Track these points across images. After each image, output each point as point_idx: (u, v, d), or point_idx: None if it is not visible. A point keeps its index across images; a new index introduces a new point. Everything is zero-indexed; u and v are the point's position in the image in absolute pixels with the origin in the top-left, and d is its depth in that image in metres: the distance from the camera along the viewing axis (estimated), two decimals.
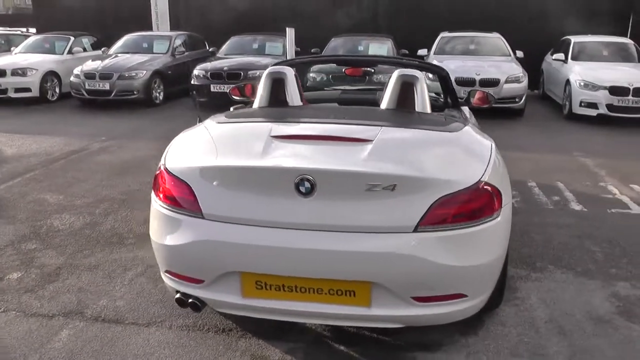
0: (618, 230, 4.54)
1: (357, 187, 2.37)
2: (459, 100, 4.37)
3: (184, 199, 2.52)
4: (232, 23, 14.79)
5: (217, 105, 9.90)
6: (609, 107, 9.01)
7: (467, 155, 2.75)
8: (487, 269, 2.57)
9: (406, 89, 3.34)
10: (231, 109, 3.78)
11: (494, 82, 9.64)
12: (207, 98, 10.12)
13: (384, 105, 3.41)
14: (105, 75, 10.06)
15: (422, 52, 11.70)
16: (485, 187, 2.50)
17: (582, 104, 9.29)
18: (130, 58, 10.78)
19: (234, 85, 4.68)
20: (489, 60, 10.54)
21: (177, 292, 2.64)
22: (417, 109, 3.33)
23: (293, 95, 3.43)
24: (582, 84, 9.35)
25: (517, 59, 10.88)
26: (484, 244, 2.52)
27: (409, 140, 2.81)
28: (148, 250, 3.95)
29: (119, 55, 11.08)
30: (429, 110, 3.35)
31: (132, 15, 14.86)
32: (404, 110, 3.33)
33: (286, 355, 2.75)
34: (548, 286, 3.54)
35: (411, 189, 2.38)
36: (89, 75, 10.13)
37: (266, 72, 3.47)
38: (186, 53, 11.94)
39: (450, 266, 2.39)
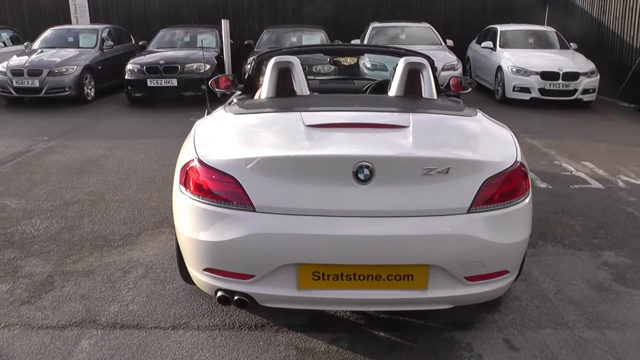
0: (586, 204, 4.87)
1: (413, 172, 2.38)
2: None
3: (229, 192, 2.40)
4: (156, 16, 14.25)
5: (152, 100, 9.73)
6: (541, 91, 9.62)
7: (497, 137, 2.84)
8: (523, 245, 2.67)
9: (413, 76, 3.39)
10: (234, 99, 3.64)
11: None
12: (144, 93, 9.72)
13: (392, 92, 3.43)
14: (34, 72, 9.33)
15: (355, 42, 11.83)
16: (521, 167, 2.60)
17: (515, 89, 9.85)
18: (57, 53, 10.05)
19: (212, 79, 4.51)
20: (422, 50, 10.84)
21: (219, 290, 2.53)
22: (424, 96, 3.39)
23: (301, 85, 3.37)
24: (514, 69, 9.90)
25: (449, 47, 11.33)
26: (522, 222, 2.62)
27: (443, 125, 2.85)
28: (141, 252, 3.77)
29: (45, 50, 10.30)
30: (435, 96, 3.41)
31: (50, 8, 13.89)
32: (413, 97, 3.37)
33: (331, 345, 2.71)
34: (545, 260, 3.74)
35: (463, 172, 2.43)
36: (16, 72, 9.34)
37: (272, 62, 3.36)
38: (114, 47, 11.32)
39: (501, 244, 2.47)
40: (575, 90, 9.56)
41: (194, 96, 9.75)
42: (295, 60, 3.36)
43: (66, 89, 9.50)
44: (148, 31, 12.23)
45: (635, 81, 9.83)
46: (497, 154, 2.60)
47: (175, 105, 9.75)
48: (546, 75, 9.55)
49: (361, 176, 2.34)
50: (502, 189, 2.50)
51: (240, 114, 2.95)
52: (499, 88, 10.33)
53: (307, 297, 2.45)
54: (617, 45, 10.68)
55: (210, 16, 13.90)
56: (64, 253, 3.76)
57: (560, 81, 9.50)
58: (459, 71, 10.27)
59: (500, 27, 11.63)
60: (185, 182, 2.58)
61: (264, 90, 3.37)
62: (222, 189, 2.42)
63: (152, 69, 9.69)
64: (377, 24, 12.06)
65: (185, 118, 8.83)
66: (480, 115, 3.12)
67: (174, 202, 2.74)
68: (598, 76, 9.72)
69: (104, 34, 11.18)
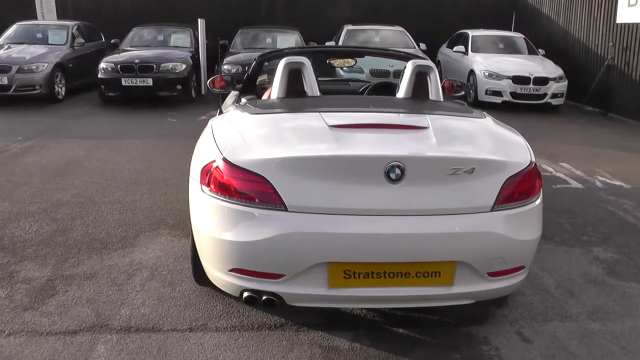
0: (570, 203, 5.06)
1: (442, 172, 2.44)
2: None
3: (259, 191, 2.39)
4: (126, 13, 13.96)
5: (126, 99, 9.54)
6: (513, 94, 9.92)
7: (510, 139, 2.92)
8: (537, 242, 2.76)
9: (420, 78, 3.45)
10: (243, 99, 3.61)
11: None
12: (118, 92, 9.51)
13: (400, 94, 3.48)
14: (2, 69, 8.97)
15: (329, 44, 11.90)
16: (535, 167, 2.70)
17: (488, 92, 10.12)
18: (27, 49, 9.71)
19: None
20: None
21: (245, 290, 2.51)
22: (431, 98, 3.45)
23: (312, 86, 3.37)
24: (486, 74, 10.18)
25: (422, 51, 11.53)
26: (537, 219, 2.72)
27: (459, 126, 2.91)
28: (143, 254, 3.70)
29: (13, 46, 9.93)
30: (442, 98, 3.48)
31: (14, 2, 13.39)
32: (422, 99, 3.42)
33: (354, 343, 2.73)
34: (540, 256, 3.85)
35: (487, 171, 2.50)
36: None
37: (283, 62, 3.35)
38: (86, 45, 11.03)
39: (520, 240, 2.56)
40: (545, 95, 9.90)
41: (169, 96, 9.59)
42: (306, 60, 3.36)
43: (36, 87, 9.18)
44: (119, 29, 11.93)
45: (600, 87, 10.23)
46: (515, 154, 2.68)
47: (150, 105, 9.58)
48: (518, 80, 9.85)
49: (392, 176, 2.38)
50: (520, 188, 2.59)
51: (257, 114, 2.94)
52: (471, 91, 10.57)
53: (337, 295, 2.47)
54: (583, 53, 11.09)
55: (183, 15, 13.72)
56: (60, 256, 3.65)
57: (531, 85, 9.81)
58: None
59: (471, 32, 11.92)
60: (208, 182, 2.55)
61: (275, 91, 3.36)
62: (251, 188, 2.41)
63: (127, 68, 9.47)
64: (351, 27, 12.15)
65: (163, 118, 8.72)
66: (489, 117, 3.20)
67: (193, 203, 2.71)
68: (566, 81, 10.09)
69: (74, 31, 10.87)
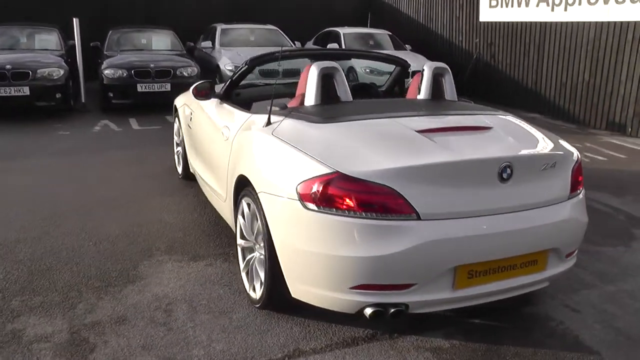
0: None
1: (537, 168, 2.63)
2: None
3: (388, 203, 2.33)
4: None
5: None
6: None
7: (544, 133, 3.15)
8: None
9: (438, 80, 3.58)
10: (274, 106, 3.38)
11: (296, 72, 10.19)
12: None
13: (421, 96, 3.57)
14: None
15: (206, 44, 11.45)
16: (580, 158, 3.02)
17: None
18: None
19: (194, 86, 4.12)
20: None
21: (368, 305, 2.43)
22: (447, 98, 3.61)
23: (345, 91, 3.30)
24: (366, 70, 10.58)
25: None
26: (585, 206, 3.04)
27: (510, 125, 3.07)
28: (160, 286, 3.33)
29: None
30: (456, 98, 3.66)
31: None
32: (446, 100, 3.56)
33: (451, 340, 2.78)
34: None
35: (560, 164, 2.76)
36: None
37: (316, 68, 3.20)
38: None
39: (584, 223, 2.89)
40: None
41: (47, 106, 8.46)
42: (337, 65, 3.28)
43: None
44: None
45: (471, 79, 11.33)
46: (565, 147, 2.96)
47: (28, 119, 8.38)
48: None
49: (504, 175, 2.49)
50: (577, 176, 2.88)
51: (326, 123, 2.82)
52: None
53: (460, 296, 2.51)
54: (447, 48, 12.22)
55: (42, 13, 12.17)
56: (62, 304, 3.10)
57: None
58: None
59: (343, 30, 12.39)
60: (315, 199, 2.40)
61: (310, 97, 3.22)
62: (379, 200, 2.33)
63: None
64: (224, 26, 11.83)
65: (52, 132, 7.70)
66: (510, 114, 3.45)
67: (287, 222, 2.53)
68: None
69: None
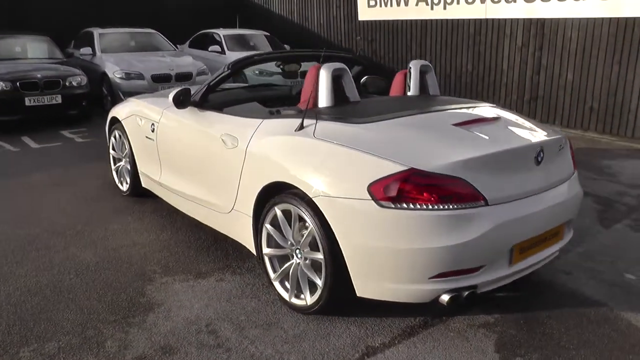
0: None
1: (555, 150, 2.99)
2: None
3: (462, 193, 2.50)
4: None
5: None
6: None
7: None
8: None
9: (423, 77, 3.83)
10: (291, 111, 3.31)
11: (188, 76, 9.92)
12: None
13: (411, 92, 3.79)
14: None
15: (85, 50, 10.55)
16: None
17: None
18: None
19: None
20: (165, 56, 10.55)
21: (445, 292, 2.58)
22: (431, 93, 3.88)
23: (352, 91, 3.38)
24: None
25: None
26: None
27: (508, 114, 3.37)
28: (184, 309, 3.20)
29: None
30: (439, 93, 3.95)
31: None
32: (431, 95, 3.82)
33: (493, 314, 3.03)
34: None
35: (565, 145, 3.17)
36: None
37: (326, 70, 3.24)
38: None
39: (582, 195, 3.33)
40: None
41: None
42: (345, 67, 3.35)
43: None
44: None
45: (354, 77, 11.83)
46: (556, 130, 3.39)
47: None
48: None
49: (539, 159, 2.82)
50: (573, 154, 3.33)
51: (364, 123, 2.90)
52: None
53: (514, 271, 2.77)
54: (325, 46, 12.62)
55: None
56: (85, 345, 2.77)
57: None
58: (209, 75, 10.46)
59: (221, 32, 12.20)
60: (390, 197, 2.50)
61: (323, 99, 3.25)
62: (454, 191, 2.50)
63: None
64: (101, 30, 10.98)
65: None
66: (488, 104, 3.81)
67: (366, 223, 2.58)
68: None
69: None
